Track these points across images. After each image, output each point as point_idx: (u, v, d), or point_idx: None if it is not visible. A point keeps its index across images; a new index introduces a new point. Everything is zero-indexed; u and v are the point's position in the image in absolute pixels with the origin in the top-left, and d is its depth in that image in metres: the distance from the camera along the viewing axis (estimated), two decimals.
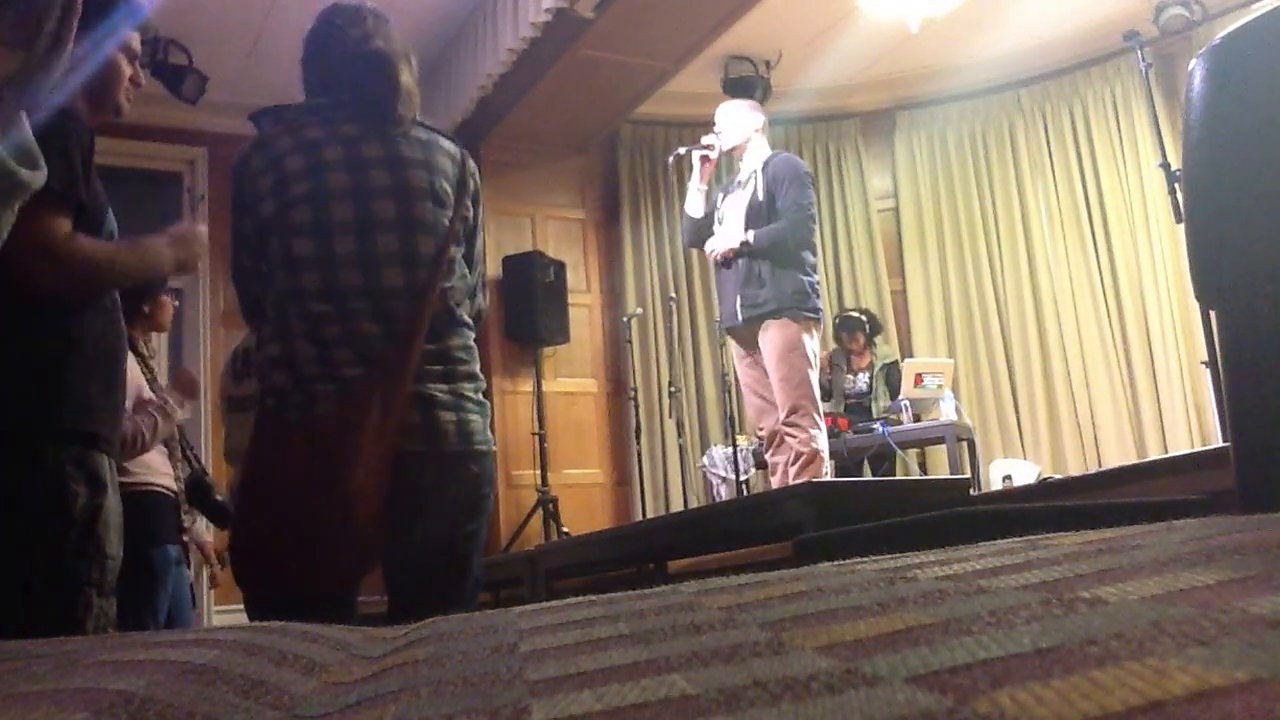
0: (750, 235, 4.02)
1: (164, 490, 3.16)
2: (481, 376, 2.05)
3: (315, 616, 0.92)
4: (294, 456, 1.86)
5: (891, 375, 5.93)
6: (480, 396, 2.01)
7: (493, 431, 2.04)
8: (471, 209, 2.06)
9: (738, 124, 4.26)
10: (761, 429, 4.32)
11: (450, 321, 1.98)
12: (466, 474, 1.95)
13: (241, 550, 1.94)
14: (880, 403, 5.80)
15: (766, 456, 4.24)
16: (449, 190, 2.00)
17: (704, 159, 4.27)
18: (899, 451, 5.36)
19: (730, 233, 4.13)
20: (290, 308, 1.90)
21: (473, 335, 2.04)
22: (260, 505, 1.90)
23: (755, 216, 4.07)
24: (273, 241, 1.93)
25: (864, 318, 6.06)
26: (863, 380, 5.90)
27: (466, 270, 2.06)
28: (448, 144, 2.08)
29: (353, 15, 2.02)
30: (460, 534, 1.96)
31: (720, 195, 4.33)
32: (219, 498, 3.41)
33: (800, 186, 4.05)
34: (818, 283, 4.08)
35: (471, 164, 2.11)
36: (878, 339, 6.13)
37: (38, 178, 1.32)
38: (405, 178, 1.95)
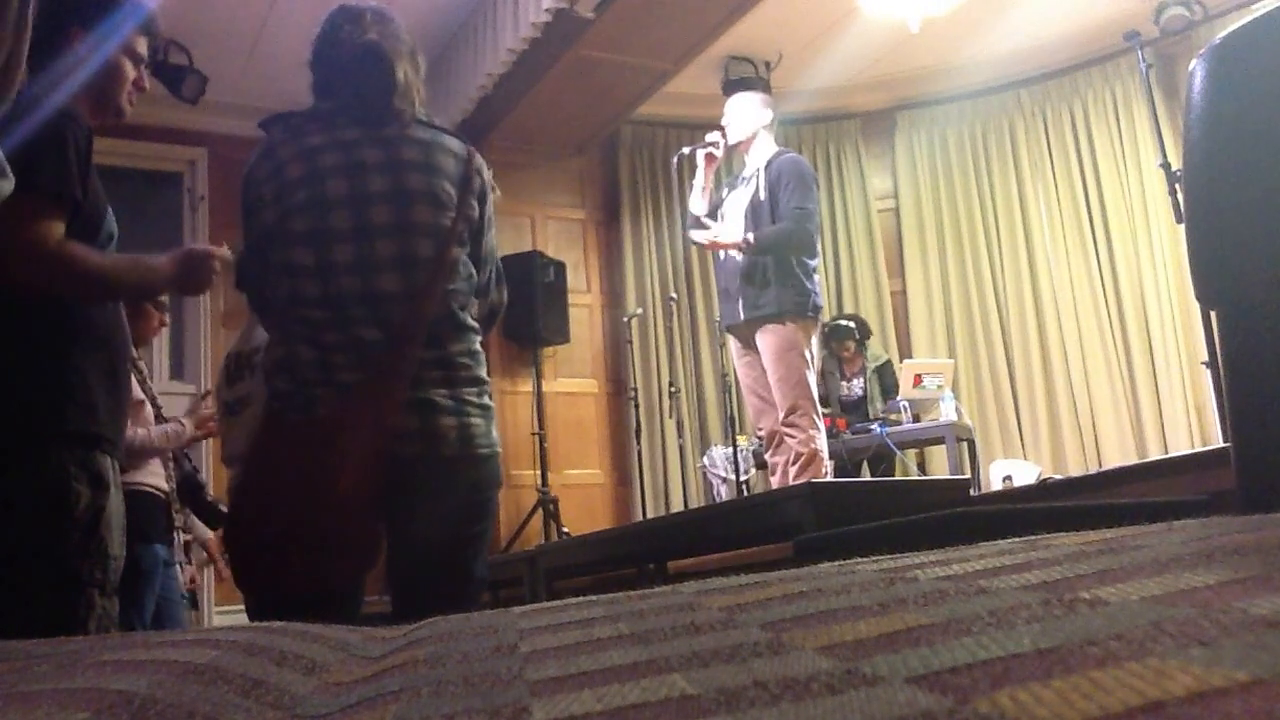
0: (752, 235, 4.00)
1: (154, 490, 3.17)
2: (487, 380, 2.03)
3: (317, 617, 0.92)
4: (288, 458, 1.87)
5: (885, 374, 5.93)
6: (485, 400, 1.99)
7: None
8: (478, 206, 2.03)
9: (746, 118, 4.22)
10: (761, 429, 4.32)
11: (453, 325, 1.96)
12: (467, 478, 1.94)
13: (236, 551, 1.96)
14: (876, 404, 5.80)
15: (766, 457, 4.24)
16: (450, 190, 1.97)
17: (709, 156, 4.23)
18: (898, 452, 5.36)
19: (732, 230, 4.12)
20: (291, 313, 1.93)
21: (478, 339, 2.03)
22: (255, 506, 1.91)
23: (757, 215, 4.05)
24: (275, 249, 1.95)
25: (853, 325, 6.03)
26: (858, 386, 5.89)
27: (474, 270, 2.03)
28: (452, 142, 2.05)
29: (353, 15, 2.03)
30: (461, 537, 1.96)
31: (725, 190, 4.31)
32: (209, 497, 3.42)
33: (804, 189, 4.03)
34: (818, 284, 4.08)
35: (479, 160, 2.07)
36: (868, 341, 6.12)
37: (4, 186, 1.35)
38: (403, 181, 1.94)
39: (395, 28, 2.05)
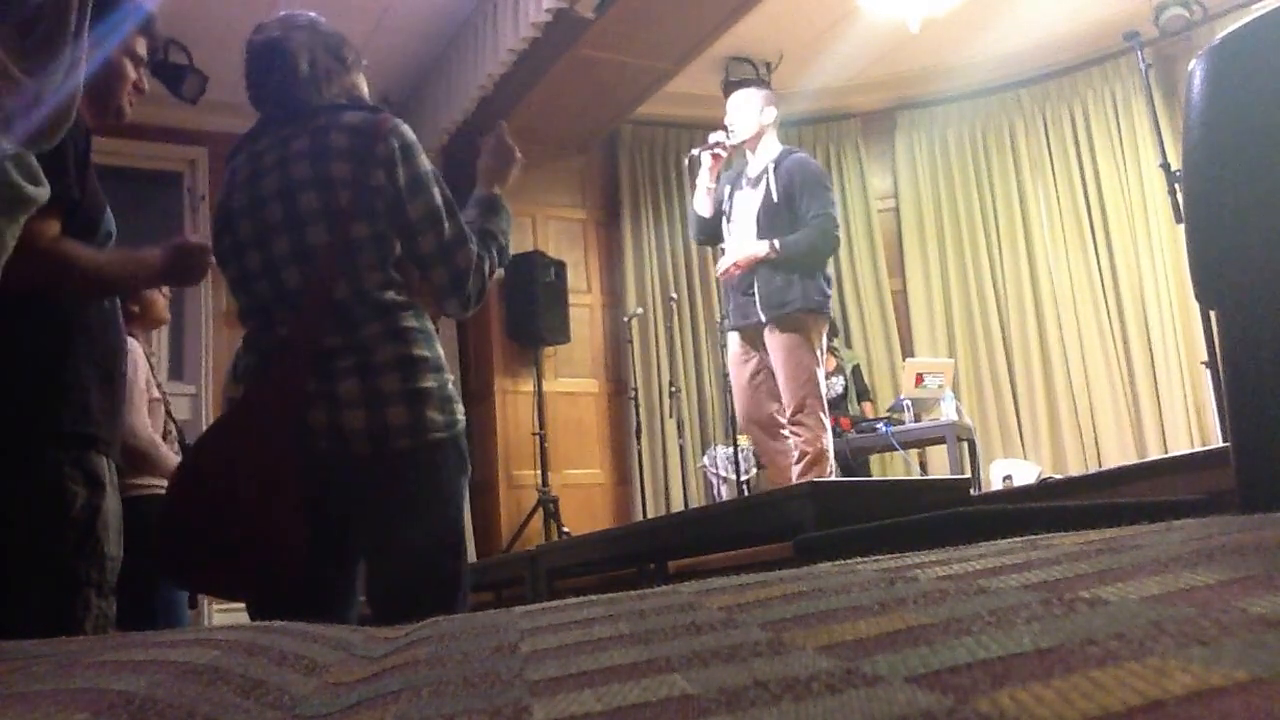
0: (779, 244, 3.93)
1: (160, 491, 3.17)
2: (425, 357, 1.88)
3: (315, 616, 0.92)
4: (207, 457, 1.89)
5: (858, 377, 5.97)
6: (418, 384, 1.84)
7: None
8: (385, 173, 1.89)
9: (750, 116, 4.14)
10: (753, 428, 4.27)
11: (367, 307, 1.86)
12: (387, 476, 1.83)
13: (161, 550, 1.92)
14: (852, 405, 5.81)
15: (768, 441, 4.16)
16: (344, 167, 1.88)
17: (715, 156, 4.16)
18: (900, 451, 5.36)
19: (746, 235, 4.04)
20: (242, 325, 2.03)
21: (408, 314, 1.89)
22: (176, 507, 1.89)
23: (772, 219, 3.98)
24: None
25: None
26: (837, 384, 5.89)
27: (400, 242, 1.92)
28: (351, 116, 1.94)
29: (262, 25, 2.04)
30: (405, 538, 1.85)
31: (727, 188, 4.20)
32: None
33: (822, 191, 3.99)
34: (830, 280, 4.09)
35: (390, 125, 1.92)
36: (836, 341, 6.11)
37: (41, 193, 1.35)
38: (289, 174, 1.91)
39: (305, 25, 2.02)
